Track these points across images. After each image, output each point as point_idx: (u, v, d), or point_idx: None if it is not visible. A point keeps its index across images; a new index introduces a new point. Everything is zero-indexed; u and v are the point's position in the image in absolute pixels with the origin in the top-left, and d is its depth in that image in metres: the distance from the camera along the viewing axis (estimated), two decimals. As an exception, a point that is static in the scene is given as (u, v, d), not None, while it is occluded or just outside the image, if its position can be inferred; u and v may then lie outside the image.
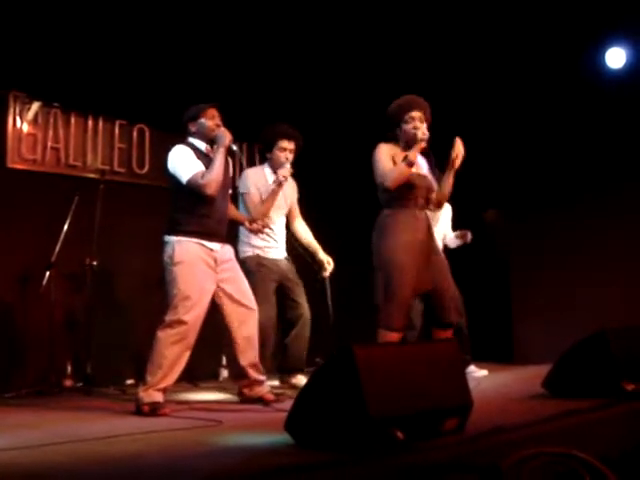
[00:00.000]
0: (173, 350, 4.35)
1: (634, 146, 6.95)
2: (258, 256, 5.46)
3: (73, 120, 6.27)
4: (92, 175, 6.23)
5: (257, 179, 5.53)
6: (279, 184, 5.34)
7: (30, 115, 6.01)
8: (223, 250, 4.63)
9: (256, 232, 5.09)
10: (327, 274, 5.67)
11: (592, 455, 2.61)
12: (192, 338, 4.42)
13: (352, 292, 7.21)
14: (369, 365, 2.91)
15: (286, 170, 5.36)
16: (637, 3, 6.48)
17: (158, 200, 5.99)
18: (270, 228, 5.37)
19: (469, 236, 6.37)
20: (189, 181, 4.44)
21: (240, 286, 4.68)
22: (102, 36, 6.12)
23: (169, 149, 4.65)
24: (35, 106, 6.02)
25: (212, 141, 4.61)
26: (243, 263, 5.33)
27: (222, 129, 4.57)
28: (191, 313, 4.38)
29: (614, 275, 6.90)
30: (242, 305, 4.64)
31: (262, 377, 4.73)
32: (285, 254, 5.64)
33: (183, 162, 4.49)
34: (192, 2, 6.29)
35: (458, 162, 4.70)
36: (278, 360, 5.67)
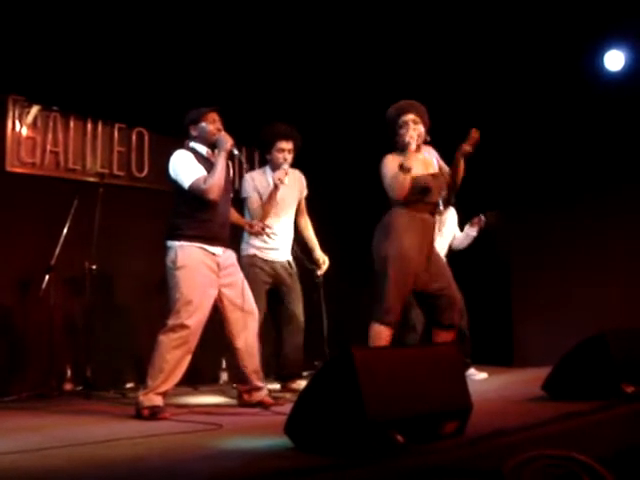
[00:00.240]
0: (175, 354, 4.34)
1: (633, 147, 6.96)
2: (255, 256, 5.44)
3: (72, 124, 6.27)
4: (91, 178, 6.23)
5: (258, 182, 5.51)
6: (275, 187, 5.33)
7: (29, 119, 6.01)
8: (225, 255, 4.63)
9: (257, 235, 5.09)
10: (321, 272, 5.66)
11: (592, 457, 2.61)
12: (193, 342, 4.42)
13: (352, 295, 7.22)
14: (368, 368, 2.91)
15: (282, 172, 5.32)
16: (636, 6, 6.48)
17: (157, 203, 6.00)
18: (270, 230, 5.39)
19: (482, 219, 6.40)
20: (191, 186, 4.43)
21: (242, 291, 4.68)
22: (101, 40, 6.12)
23: (168, 152, 4.65)
24: (34, 110, 6.03)
25: (213, 145, 4.60)
26: (240, 261, 5.34)
27: (223, 133, 4.57)
28: (193, 318, 4.38)
29: (614, 276, 6.90)
30: (243, 310, 4.64)
31: (262, 384, 4.73)
32: (288, 257, 5.60)
33: (185, 167, 4.48)
34: (191, 6, 6.30)
35: (468, 148, 4.72)
36: (272, 365, 5.66)
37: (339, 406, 2.92)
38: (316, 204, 5.92)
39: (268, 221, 5.30)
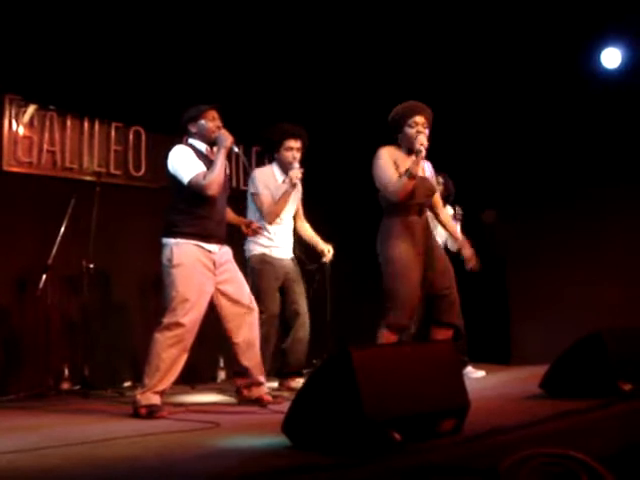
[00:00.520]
0: (171, 353, 4.34)
1: (631, 146, 6.96)
2: (263, 254, 5.44)
3: (69, 123, 6.27)
4: (88, 178, 6.23)
5: (267, 179, 5.50)
6: (293, 185, 5.33)
7: (26, 118, 6.01)
8: (221, 252, 4.63)
9: (252, 235, 5.09)
10: (327, 259, 5.66)
11: (589, 455, 2.61)
12: (189, 340, 4.42)
13: (351, 294, 7.22)
14: (366, 366, 2.91)
15: (298, 171, 5.35)
16: (633, 3, 6.49)
17: (154, 202, 6.01)
18: (276, 229, 5.42)
19: (459, 212, 6.38)
20: (191, 181, 4.43)
21: (239, 286, 4.68)
22: (98, 39, 6.12)
23: (165, 151, 4.65)
24: (31, 109, 6.02)
25: (212, 142, 4.60)
26: (249, 261, 5.34)
27: (223, 131, 4.56)
28: (189, 316, 4.37)
29: (611, 275, 6.90)
30: (241, 305, 4.64)
31: (262, 379, 4.73)
32: (291, 255, 5.62)
33: (184, 162, 4.48)
34: (188, 4, 6.29)
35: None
36: (277, 362, 5.66)
37: (337, 405, 2.92)
38: (317, 205, 5.93)
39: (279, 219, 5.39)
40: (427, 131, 4.76)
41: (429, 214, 5.01)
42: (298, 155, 5.49)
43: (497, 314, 7.58)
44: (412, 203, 4.70)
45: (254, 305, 4.73)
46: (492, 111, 7.51)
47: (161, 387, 4.34)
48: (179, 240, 4.45)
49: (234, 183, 6.99)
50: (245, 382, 4.70)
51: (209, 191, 4.42)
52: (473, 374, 6.16)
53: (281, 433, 3.12)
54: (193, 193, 4.44)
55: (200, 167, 4.47)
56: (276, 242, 5.49)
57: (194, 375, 5.82)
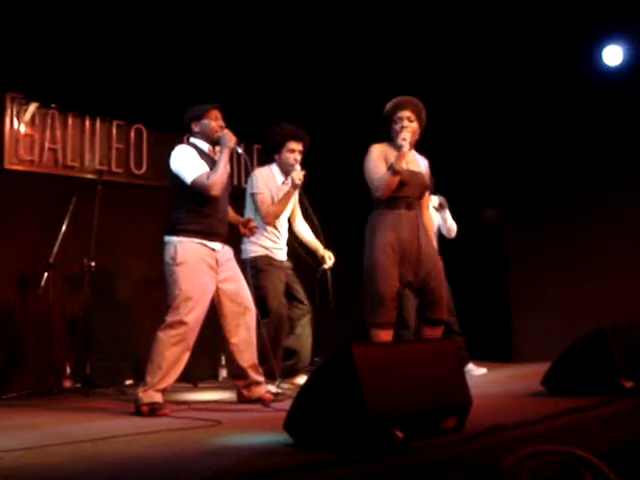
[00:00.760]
0: (173, 351, 4.34)
1: (633, 143, 6.96)
2: (267, 256, 5.43)
3: (70, 121, 6.27)
4: (90, 176, 6.24)
5: (268, 180, 5.49)
6: (295, 187, 5.33)
7: (27, 116, 6.01)
8: (224, 250, 4.63)
9: (249, 235, 5.07)
10: (328, 266, 5.66)
11: (591, 453, 2.61)
12: (192, 339, 4.42)
13: (352, 293, 7.21)
14: (368, 364, 2.91)
15: (300, 173, 5.34)
16: (634, 1, 6.48)
17: (156, 200, 6.01)
18: (276, 231, 5.44)
19: (442, 200, 6.37)
20: (194, 181, 4.43)
21: (239, 285, 4.68)
22: (99, 37, 6.12)
23: (167, 149, 4.65)
24: (32, 107, 6.02)
25: (214, 142, 4.61)
26: (253, 263, 5.33)
27: (226, 131, 4.56)
28: (192, 314, 4.38)
29: (613, 272, 6.90)
30: (241, 305, 4.64)
31: (260, 378, 4.73)
32: (286, 256, 5.63)
33: (187, 162, 4.48)
34: (189, 4, 6.29)
35: None
36: (283, 361, 5.66)
37: (339, 402, 2.92)
38: (318, 204, 5.91)
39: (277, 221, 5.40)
40: (414, 125, 4.75)
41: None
42: (299, 157, 5.49)
43: (499, 311, 7.59)
44: (400, 197, 4.67)
45: (252, 305, 4.73)
46: (494, 109, 7.51)
47: (163, 385, 4.34)
48: (182, 238, 4.45)
49: (235, 182, 6.99)
50: (244, 383, 4.70)
51: (212, 191, 4.42)
52: (474, 371, 6.16)
53: (283, 431, 3.12)
54: (196, 192, 4.44)
55: (203, 167, 4.46)
56: (278, 244, 5.49)
57: (196, 373, 5.83)
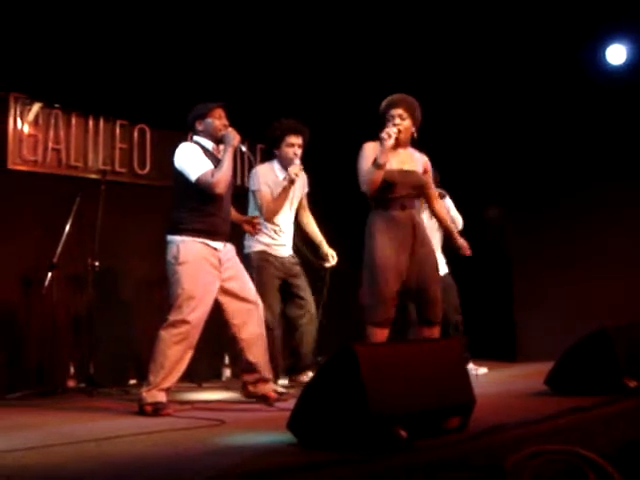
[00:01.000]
0: (176, 350, 4.34)
1: (634, 143, 6.96)
2: (264, 252, 5.43)
3: (74, 121, 6.27)
4: (93, 176, 6.23)
5: (267, 176, 5.48)
6: (291, 182, 5.33)
7: (31, 116, 6.01)
8: (226, 249, 4.63)
9: (253, 234, 5.07)
10: (329, 265, 5.66)
11: (595, 452, 2.61)
12: (195, 338, 4.42)
13: (355, 292, 7.21)
14: (371, 364, 2.91)
15: (296, 167, 5.33)
16: (637, 0, 6.48)
17: (160, 200, 6.00)
18: (276, 227, 5.42)
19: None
20: (199, 179, 4.43)
21: (243, 282, 4.68)
22: (102, 37, 6.12)
23: (170, 149, 4.65)
24: (36, 107, 6.02)
25: (218, 141, 4.61)
26: (248, 258, 5.32)
27: (230, 129, 4.57)
28: (195, 313, 4.38)
29: (616, 272, 6.90)
30: (246, 301, 4.64)
31: (269, 375, 4.73)
32: (291, 252, 5.61)
33: (192, 160, 4.48)
34: (192, 2, 6.29)
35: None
36: (286, 359, 5.66)
37: (342, 402, 2.92)
38: (321, 203, 5.93)
39: (276, 217, 5.36)
40: (406, 122, 4.74)
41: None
42: (299, 151, 5.47)
43: (502, 311, 7.58)
44: (393, 197, 4.66)
45: (258, 300, 4.73)
46: (496, 108, 7.51)
47: (166, 384, 4.34)
48: (185, 237, 4.46)
49: (238, 180, 6.99)
50: (252, 378, 4.68)
51: (216, 189, 4.43)
52: (475, 371, 6.15)
53: (287, 430, 3.12)
54: (200, 191, 4.45)
55: (208, 165, 4.47)
56: (277, 240, 5.48)
57: (199, 372, 5.83)
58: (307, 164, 5.57)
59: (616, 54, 7.11)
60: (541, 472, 2.55)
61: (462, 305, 6.32)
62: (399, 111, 4.73)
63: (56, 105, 6.14)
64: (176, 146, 4.62)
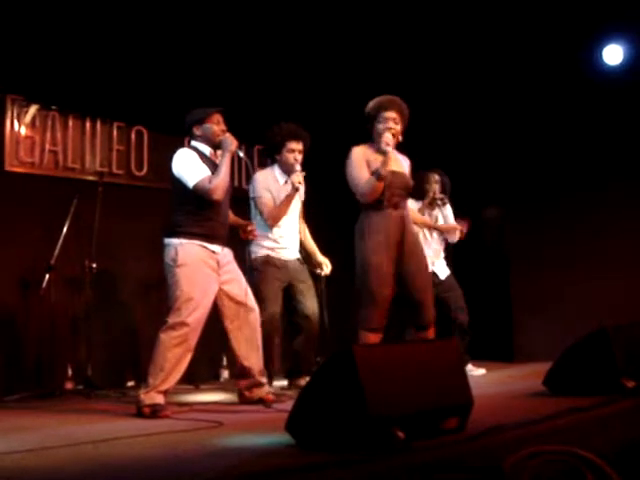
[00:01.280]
0: (175, 352, 4.34)
1: (633, 143, 6.96)
2: (267, 256, 5.41)
3: (71, 123, 6.27)
4: (90, 177, 6.24)
5: (268, 182, 5.47)
6: (296, 189, 5.31)
7: (28, 118, 6.01)
8: (224, 252, 4.64)
9: (246, 239, 5.05)
10: (324, 274, 5.65)
11: (593, 453, 2.61)
12: (193, 340, 4.42)
13: (351, 295, 7.21)
14: (369, 365, 2.91)
15: (299, 175, 5.30)
16: (634, 0, 6.48)
17: (157, 202, 6.00)
18: (280, 231, 5.42)
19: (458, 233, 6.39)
20: (196, 185, 4.43)
21: (241, 286, 4.68)
22: (100, 39, 6.12)
23: (167, 151, 4.66)
24: (33, 109, 6.02)
25: (216, 146, 4.61)
26: (252, 263, 5.32)
27: (228, 135, 4.57)
28: (193, 315, 4.38)
29: (615, 272, 6.90)
30: (243, 305, 4.64)
31: (264, 379, 4.73)
32: (297, 255, 5.60)
33: (189, 166, 4.48)
34: (189, 5, 6.29)
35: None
36: (287, 362, 5.65)
37: (340, 403, 2.92)
38: (318, 206, 5.92)
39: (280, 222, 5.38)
40: (399, 127, 4.74)
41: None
42: (300, 157, 5.46)
43: (500, 311, 7.58)
44: (386, 197, 4.67)
45: (255, 305, 4.73)
46: (495, 108, 7.51)
47: (165, 386, 4.34)
48: (183, 240, 4.46)
49: (235, 183, 6.98)
50: (247, 383, 4.69)
51: (214, 195, 4.43)
52: (473, 372, 6.16)
53: (285, 432, 3.12)
54: (198, 196, 4.45)
55: (205, 171, 4.47)
56: (282, 244, 5.47)
57: (197, 374, 5.83)
58: (306, 168, 5.56)
59: (613, 54, 7.11)
60: (540, 473, 2.55)
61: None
62: (392, 114, 4.72)
63: (53, 107, 6.15)
64: (174, 148, 4.62)
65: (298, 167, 5.38)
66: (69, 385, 5.75)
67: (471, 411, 3.25)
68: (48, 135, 6.12)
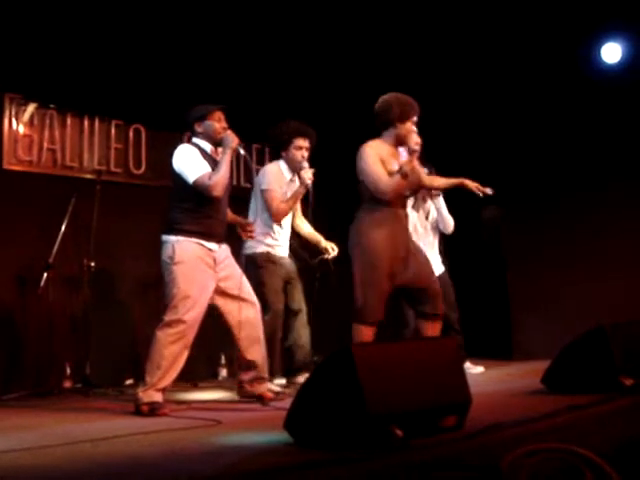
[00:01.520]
0: (172, 350, 4.34)
1: (633, 142, 6.95)
2: (268, 253, 5.43)
3: (69, 121, 6.26)
4: (89, 176, 6.23)
5: (278, 176, 5.48)
6: (305, 186, 5.31)
7: (26, 117, 6.01)
8: (221, 249, 4.63)
9: (245, 238, 5.05)
10: (332, 256, 5.64)
11: (592, 451, 2.61)
12: (191, 337, 4.41)
13: (350, 290, 7.20)
14: (367, 363, 2.91)
15: (309, 172, 5.31)
16: (632, -2, 6.49)
17: (155, 200, 6.00)
18: (279, 228, 5.43)
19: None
20: (196, 181, 4.43)
21: (239, 281, 4.67)
22: (97, 37, 6.12)
23: (166, 149, 4.67)
24: (31, 107, 6.02)
25: (217, 143, 4.61)
26: (253, 259, 5.32)
27: (229, 132, 4.57)
28: (191, 312, 4.38)
29: (613, 270, 6.90)
30: (243, 300, 4.63)
31: (266, 375, 4.73)
32: (288, 252, 5.62)
33: (190, 162, 4.48)
34: (187, 3, 6.29)
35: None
36: (284, 361, 5.66)
37: (339, 401, 2.92)
38: (318, 202, 5.90)
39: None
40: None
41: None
42: (307, 154, 5.48)
43: (499, 310, 7.58)
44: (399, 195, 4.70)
45: (255, 299, 4.73)
46: (493, 107, 7.51)
47: (163, 384, 4.34)
48: (180, 237, 4.45)
49: (234, 181, 6.97)
50: (249, 376, 4.67)
51: (214, 192, 4.43)
52: (471, 370, 6.15)
53: (283, 430, 3.12)
54: (198, 193, 4.45)
55: (205, 167, 4.47)
56: (279, 241, 5.49)
57: (195, 372, 5.82)
58: (311, 165, 5.56)
59: (612, 53, 7.11)
60: (538, 471, 2.55)
61: (459, 304, 6.31)
62: (416, 118, 4.74)
63: (51, 105, 6.15)
64: (172, 146, 4.63)
65: (306, 164, 5.38)
66: (67, 383, 5.75)
67: (469, 409, 3.25)
68: (46, 133, 6.12)
